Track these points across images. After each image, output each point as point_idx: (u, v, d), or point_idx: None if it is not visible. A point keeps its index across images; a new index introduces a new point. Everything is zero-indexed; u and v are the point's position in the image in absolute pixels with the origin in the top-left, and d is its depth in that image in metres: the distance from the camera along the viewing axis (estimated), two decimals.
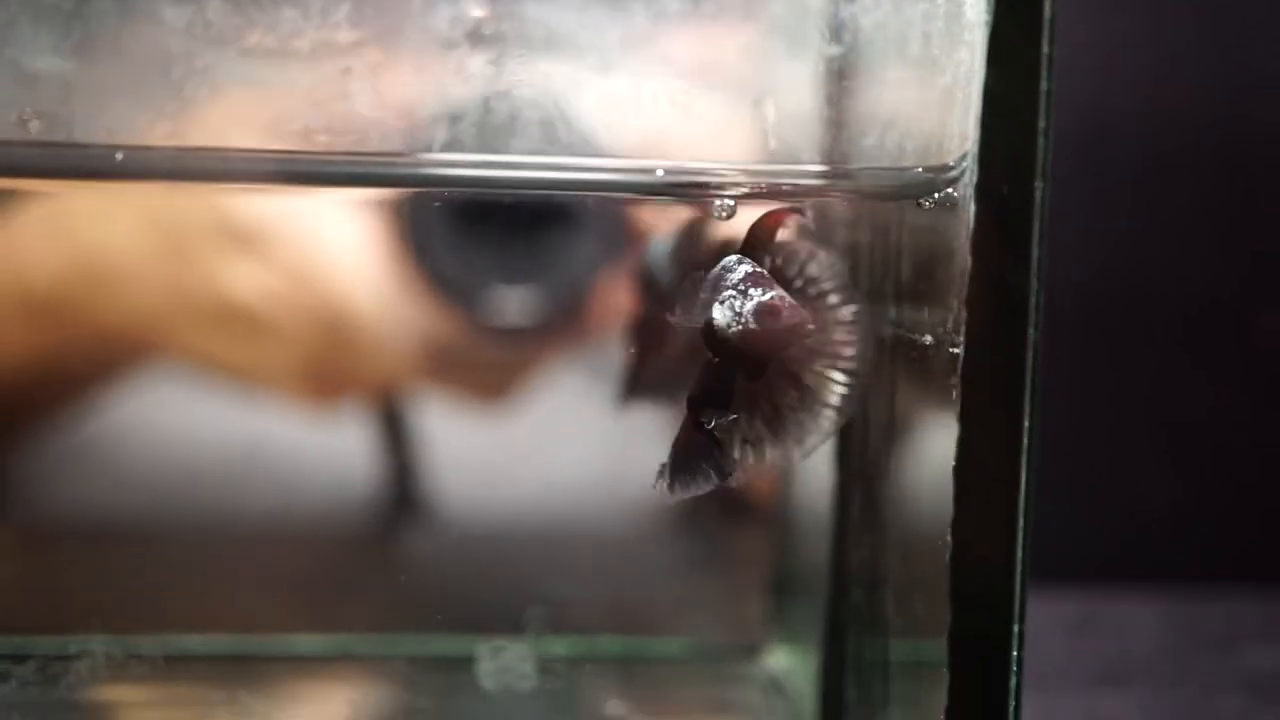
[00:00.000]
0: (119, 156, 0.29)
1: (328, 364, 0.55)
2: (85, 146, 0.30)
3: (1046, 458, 0.65)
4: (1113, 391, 0.70)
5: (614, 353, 0.60)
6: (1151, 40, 0.69)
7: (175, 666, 0.42)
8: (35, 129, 0.33)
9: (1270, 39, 0.69)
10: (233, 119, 0.34)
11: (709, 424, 0.31)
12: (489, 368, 0.55)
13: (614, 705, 0.43)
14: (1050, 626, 0.58)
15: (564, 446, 0.63)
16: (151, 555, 0.51)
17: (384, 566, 0.54)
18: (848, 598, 0.39)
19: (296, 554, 0.53)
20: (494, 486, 0.60)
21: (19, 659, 0.38)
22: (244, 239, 0.54)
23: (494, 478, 0.59)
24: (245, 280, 0.54)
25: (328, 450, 0.58)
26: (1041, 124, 0.28)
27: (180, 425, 0.58)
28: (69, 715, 0.39)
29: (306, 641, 0.45)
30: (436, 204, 0.52)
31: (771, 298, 0.29)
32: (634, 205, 0.51)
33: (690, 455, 0.32)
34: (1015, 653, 0.30)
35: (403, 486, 0.61)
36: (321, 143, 0.30)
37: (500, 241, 0.52)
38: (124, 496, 0.60)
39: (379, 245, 0.54)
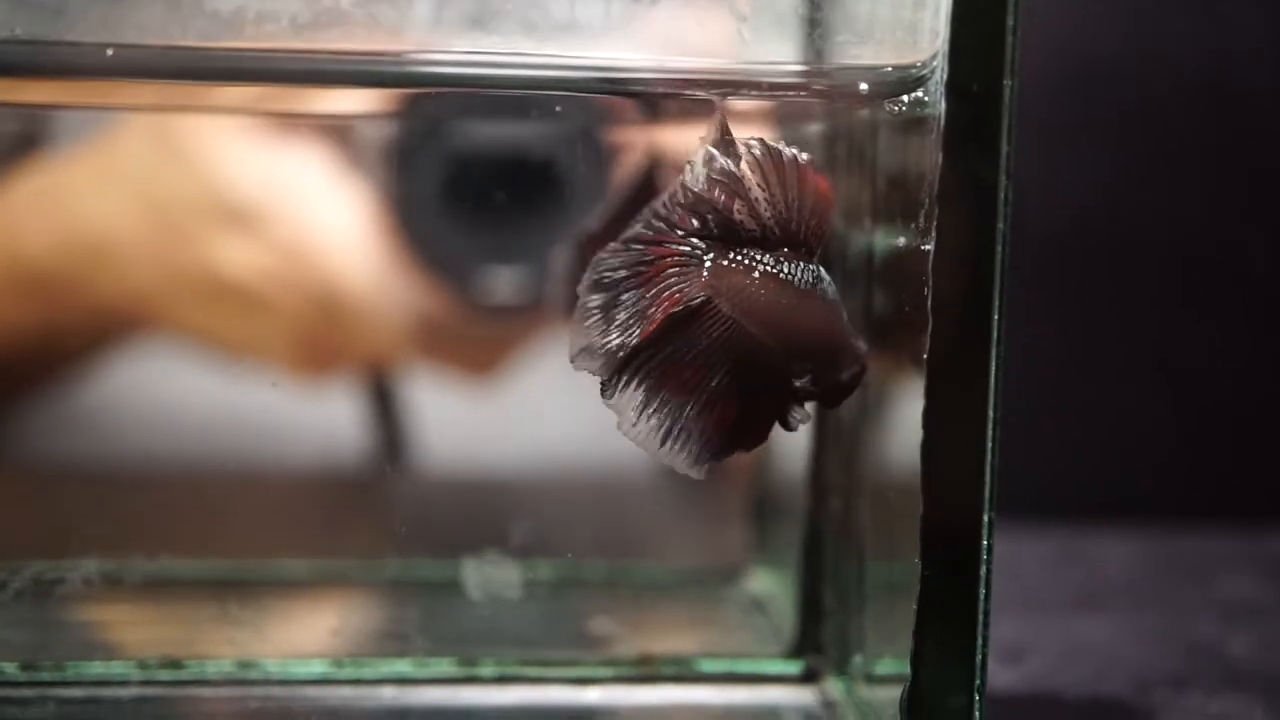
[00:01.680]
0: (109, 52, 0.30)
1: (318, 338, 0.55)
2: (77, 45, 0.30)
3: (1035, 397, 0.66)
4: (1103, 328, 0.70)
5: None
6: None
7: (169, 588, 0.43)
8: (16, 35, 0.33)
9: None
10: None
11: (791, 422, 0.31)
12: (478, 343, 0.56)
13: (599, 623, 0.44)
14: (1032, 559, 0.59)
15: (552, 404, 0.63)
16: (148, 497, 0.52)
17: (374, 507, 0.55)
18: (825, 509, 0.40)
19: (288, 498, 0.54)
20: (484, 443, 0.60)
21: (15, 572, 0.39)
22: (237, 216, 0.54)
23: (484, 436, 0.60)
24: (238, 256, 0.54)
25: (318, 413, 0.58)
26: (1010, 21, 0.29)
27: (178, 390, 0.59)
28: (64, 631, 0.40)
29: (296, 566, 0.46)
30: (427, 181, 0.52)
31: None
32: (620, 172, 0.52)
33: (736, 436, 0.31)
34: (985, 541, 0.30)
35: (391, 453, 0.62)
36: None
37: (489, 217, 0.52)
38: (121, 447, 0.60)
39: (370, 223, 0.54)
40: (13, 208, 0.55)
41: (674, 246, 0.30)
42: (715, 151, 0.30)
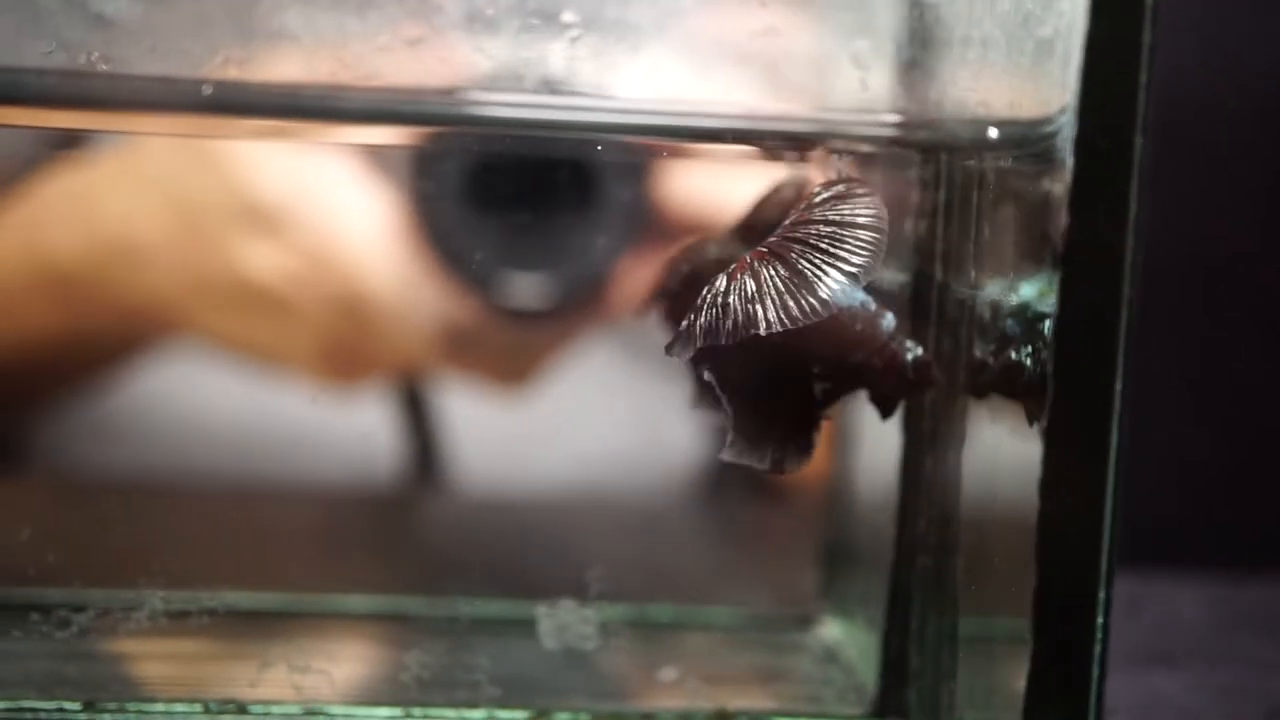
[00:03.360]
0: (207, 90, 0.29)
1: (346, 345, 0.54)
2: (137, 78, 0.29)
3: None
4: (1180, 367, 0.69)
5: (633, 336, 0.60)
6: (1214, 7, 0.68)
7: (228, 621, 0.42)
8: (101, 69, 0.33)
9: None
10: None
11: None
12: (509, 352, 0.55)
13: (666, 671, 0.42)
14: None
15: (599, 422, 0.62)
16: (176, 512, 0.51)
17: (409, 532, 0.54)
18: (912, 566, 0.39)
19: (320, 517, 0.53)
20: (527, 461, 0.59)
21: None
22: (264, 220, 0.53)
23: (526, 454, 0.59)
24: (265, 261, 0.53)
25: (352, 426, 0.57)
26: (1143, 78, 0.28)
27: (209, 398, 0.58)
28: (125, 665, 0.39)
29: (358, 601, 0.45)
30: (455, 188, 0.51)
31: (926, 355, 0.32)
32: (653, 179, 0.51)
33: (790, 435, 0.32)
34: (1100, 619, 0.29)
35: (424, 464, 0.61)
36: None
37: (519, 225, 0.51)
38: (154, 459, 0.60)
39: (398, 228, 0.53)
40: (40, 210, 0.55)
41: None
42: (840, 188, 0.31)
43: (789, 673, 0.44)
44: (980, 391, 0.34)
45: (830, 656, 0.44)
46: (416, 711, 0.37)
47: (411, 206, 0.54)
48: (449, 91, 0.33)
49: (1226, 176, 0.68)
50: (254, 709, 0.37)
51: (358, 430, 0.57)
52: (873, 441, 0.42)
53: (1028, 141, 0.30)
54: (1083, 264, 0.28)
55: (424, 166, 0.53)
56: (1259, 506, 0.70)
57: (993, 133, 0.30)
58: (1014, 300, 0.31)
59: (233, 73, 0.32)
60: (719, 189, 0.41)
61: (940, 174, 0.36)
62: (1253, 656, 0.53)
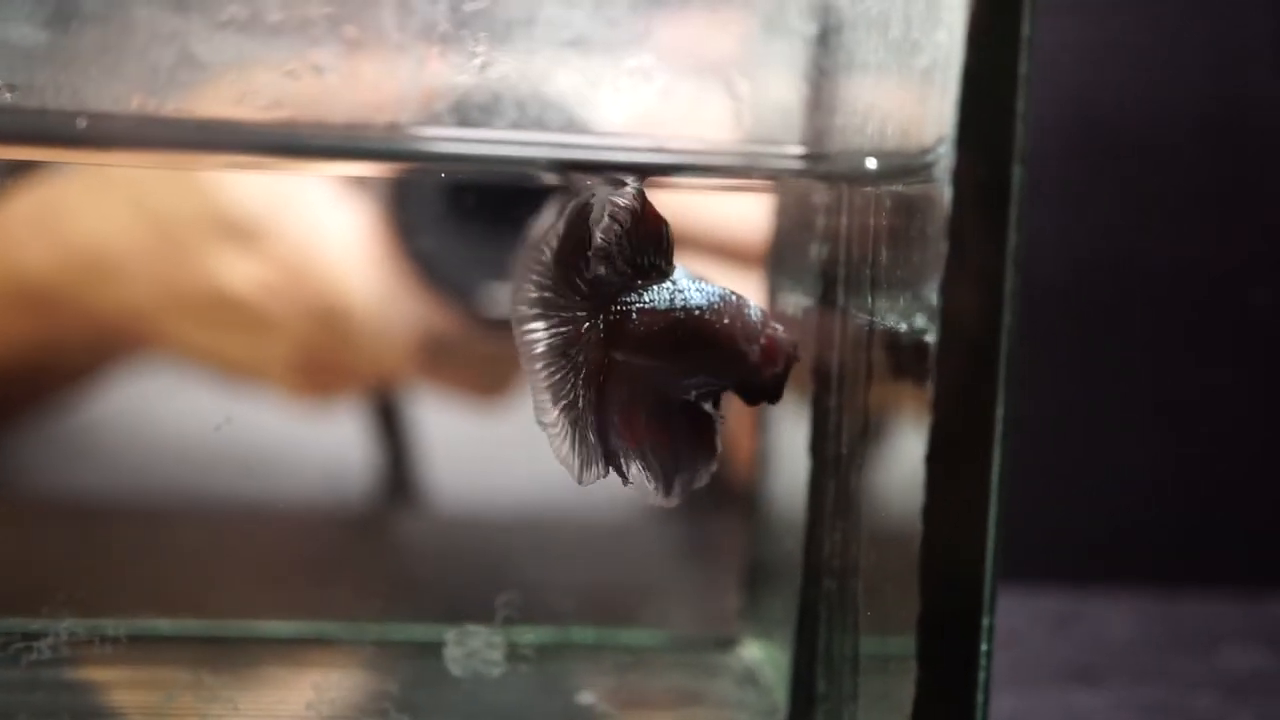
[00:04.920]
0: (81, 124, 0.29)
1: (321, 358, 0.54)
2: (48, 112, 0.29)
3: (1034, 453, 0.65)
4: (1103, 381, 0.69)
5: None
6: (1139, 20, 0.69)
7: (143, 647, 0.42)
8: (8, 99, 0.33)
9: (1259, 12, 0.69)
10: (213, 97, 0.34)
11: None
12: (483, 363, 0.55)
13: (585, 695, 0.42)
14: (1031, 623, 0.58)
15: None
16: (135, 537, 0.51)
17: (367, 554, 0.54)
18: (820, 588, 0.39)
19: (280, 540, 0.53)
20: (482, 480, 0.59)
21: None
22: (238, 232, 0.53)
23: (483, 471, 0.59)
24: (239, 274, 0.53)
25: (316, 440, 0.57)
26: (1020, 107, 0.28)
27: (168, 414, 0.58)
28: (31, 693, 0.39)
29: (278, 626, 0.45)
30: (429, 198, 0.51)
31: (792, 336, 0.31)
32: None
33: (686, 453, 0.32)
34: (985, 646, 0.29)
35: (396, 478, 0.61)
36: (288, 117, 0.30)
37: (494, 236, 0.51)
38: (109, 480, 0.59)
39: (373, 239, 0.53)
40: (11, 222, 0.54)
41: (570, 329, 0.32)
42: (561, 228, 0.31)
43: (707, 695, 0.44)
44: (879, 414, 0.34)
45: (750, 678, 0.44)
46: None
47: (387, 219, 0.54)
48: (392, 128, 0.33)
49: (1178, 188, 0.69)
50: None
51: (328, 446, 0.57)
52: (790, 462, 0.42)
53: (910, 171, 0.30)
54: (962, 291, 0.29)
55: (399, 181, 0.53)
56: (1196, 524, 0.70)
57: (871, 163, 0.31)
58: (904, 326, 0.32)
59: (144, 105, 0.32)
60: (689, 206, 0.41)
61: (841, 200, 0.36)
62: (1178, 674, 0.53)
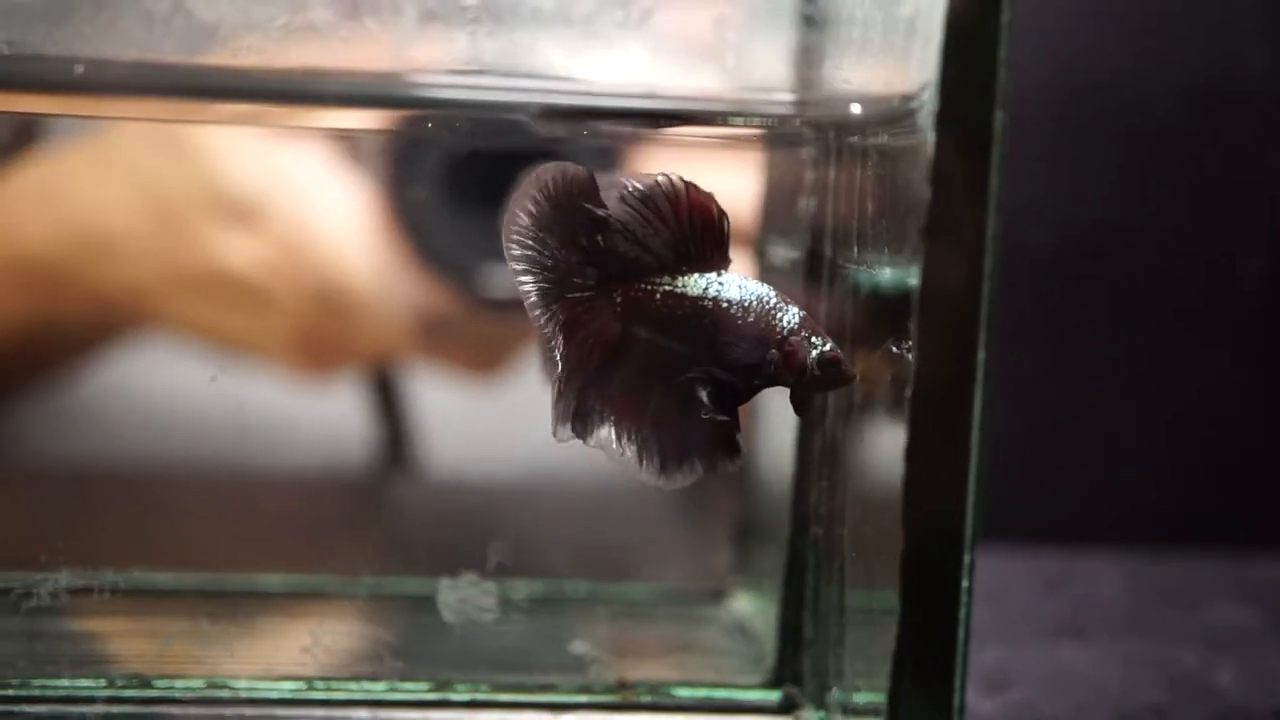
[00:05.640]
0: (78, 70, 0.29)
1: (320, 334, 0.55)
2: (45, 59, 0.30)
3: (1026, 419, 0.65)
4: (1093, 351, 0.70)
5: None
6: None
7: (143, 599, 0.42)
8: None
9: None
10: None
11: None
12: (480, 341, 0.55)
13: (578, 644, 0.43)
14: (1023, 582, 0.59)
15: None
16: (140, 501, 0.51)
17: (365, 516, 0.55)
18: (807, 536, 0.39)
19: (280, 504, 0.54)
20: (478, 450, 0.60)
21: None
22: (238, 210, 0.54)
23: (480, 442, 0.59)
24: (239, 250, 0.54)
25: (317, 411, 0.58)
26: (1002, 54, 0.29)
27: (170, 386, 0.58)
28: (34, 642, 0.40)
29: (276, 579, 0.45)
30: (428, 177, 0.51)
31: (834, 349, 0.31)
32: (627, 167, 0.51)
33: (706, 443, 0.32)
34: (965, 583, 0.30)
35: (394, 450, 0.61)
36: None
37: (492, 214, 0.52)
38: (113, 447, 0.60)
39: (371, 218, 0.54)
40: (12, 199, 0.55)
41: (577, 295, 0.32)
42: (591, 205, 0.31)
43: (697, 644, 0.45)
44: (867, 367, 0.35)
45: (739, 628, 0.45)
46: (319, 684, 0.38)
47: (385, 196, 0.54)
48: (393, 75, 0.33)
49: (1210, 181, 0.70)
50: (158, 683, 0.37)
51: (327, 418, 0.57)
52: (778, 417, 0.42)
53: (895, 118, 0.30)
54: (944, 237, 0.29)
55: (398, 157, 0.53)
56: (1184, 487, 0.71)
57: (855, 109, 0.31)
58: (889, 274, 0.32)
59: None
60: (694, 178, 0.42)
61: (829, 151, 0.37)
62: (1161, 629, 0.54)
